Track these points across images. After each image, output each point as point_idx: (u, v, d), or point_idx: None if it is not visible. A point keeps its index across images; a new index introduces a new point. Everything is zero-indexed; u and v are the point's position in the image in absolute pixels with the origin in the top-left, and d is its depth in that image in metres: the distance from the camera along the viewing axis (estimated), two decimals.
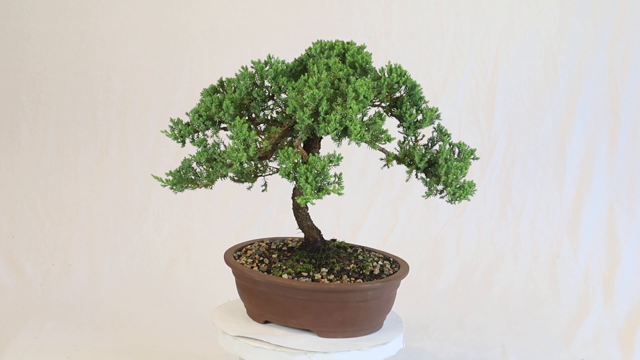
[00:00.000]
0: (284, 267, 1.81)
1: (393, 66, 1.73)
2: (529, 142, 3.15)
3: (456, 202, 1.70)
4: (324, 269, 1.80)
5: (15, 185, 3.08)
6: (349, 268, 1.82)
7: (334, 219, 3.05)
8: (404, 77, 1.71)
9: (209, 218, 3.08)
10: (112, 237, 3.00)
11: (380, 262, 1.89)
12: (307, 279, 1.77)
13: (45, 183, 3.09)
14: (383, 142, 1.66)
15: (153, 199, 3.09)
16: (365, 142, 1.64)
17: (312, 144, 1.79)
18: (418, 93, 1.75)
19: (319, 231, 1.91)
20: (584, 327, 2.62)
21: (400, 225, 3.06)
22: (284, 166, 1.60)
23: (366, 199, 3.13)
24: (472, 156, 1.78)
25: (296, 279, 1.77)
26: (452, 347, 2.48)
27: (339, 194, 1.56)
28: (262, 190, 1.87)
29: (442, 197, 1.73)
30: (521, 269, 2.93)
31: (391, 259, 1.94)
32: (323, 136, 1.69)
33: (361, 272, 1.81)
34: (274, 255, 1.89)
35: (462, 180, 1.71)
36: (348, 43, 1.80)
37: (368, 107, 1.66)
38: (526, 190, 3.11)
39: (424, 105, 1.76)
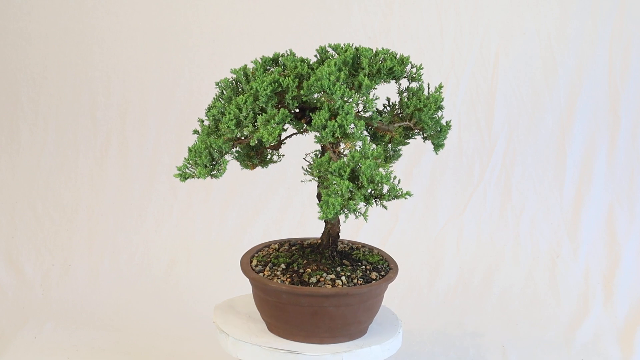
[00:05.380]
0: (269, 258, 1.86)
1: (318, 70, 1.63)
2: (529, 142, 3.14)
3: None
4: (282, 266, 1.81)
5: (15, 185, 3.08)
6: (302, 271, 1.78)
7: None
8: (318, 82, 1.60)
9: (209, 218, 3.08)
10: (112, 237, 3.00)
11: (342, 277, 1.76)
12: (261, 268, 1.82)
13: (45, 183, 3.09)
14: (256, 140, 1.61)
15: (153, 199, 3.09)
16: (245, 136, 1.66)
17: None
18: (340, 102, 1.61)
19: (330, 236, 1.89)
20: (584, 327, 2.62)
21: (400, 225, 3.06)
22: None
23: None
24: (375, 182, 1.63)
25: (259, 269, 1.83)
26: (452, 347, 2.48)
27: (198, 177, 1.63)
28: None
29: None
30: (521, 269, 2.93)
31: (376, 279, 1.81)
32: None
33: (301, 278, 1.75)
34: (292, 248, 1.92)
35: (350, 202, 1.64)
36: (349, 47, 1.77)
37: (265, 103, 1.62)
38: (526, 190, 3.11)
39: (346, 119, 1.59)
